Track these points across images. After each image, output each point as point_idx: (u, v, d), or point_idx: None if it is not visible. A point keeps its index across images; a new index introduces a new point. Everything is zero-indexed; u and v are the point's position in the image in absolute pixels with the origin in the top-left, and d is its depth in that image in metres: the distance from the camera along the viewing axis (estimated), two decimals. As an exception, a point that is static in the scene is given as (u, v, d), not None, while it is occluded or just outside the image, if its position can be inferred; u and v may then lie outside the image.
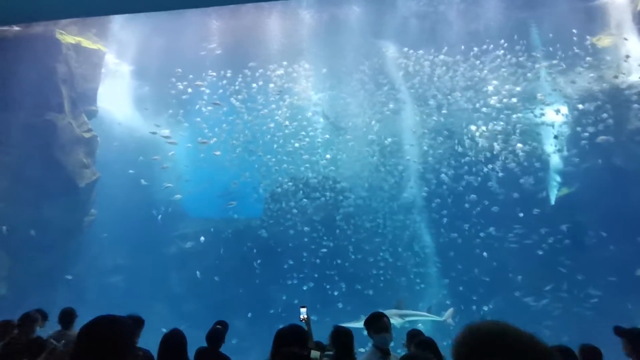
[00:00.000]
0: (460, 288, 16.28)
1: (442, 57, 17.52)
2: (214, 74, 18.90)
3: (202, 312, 16.46)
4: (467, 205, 16.81)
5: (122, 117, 20.31)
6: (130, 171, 18.16)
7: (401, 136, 18.57)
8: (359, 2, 17.50)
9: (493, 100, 17.16)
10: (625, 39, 15.47)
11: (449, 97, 17.72)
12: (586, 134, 15.39)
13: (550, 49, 16.47)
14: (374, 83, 18.84)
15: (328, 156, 18.80)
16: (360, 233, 18.23)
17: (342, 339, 4.09)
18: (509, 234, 16.08)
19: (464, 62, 17.46)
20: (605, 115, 15.02)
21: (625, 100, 15.16)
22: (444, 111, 17.79)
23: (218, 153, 18.32)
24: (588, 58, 16.12)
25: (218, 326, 5.33)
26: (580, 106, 15.91)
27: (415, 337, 4.99)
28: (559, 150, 16.90)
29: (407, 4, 17.16)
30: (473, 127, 17.65)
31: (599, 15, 16.15)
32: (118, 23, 17.70)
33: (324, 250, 17.59)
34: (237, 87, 18.95)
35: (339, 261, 17.41)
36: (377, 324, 4.14)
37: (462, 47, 17.22)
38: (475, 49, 17.06)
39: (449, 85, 17.77)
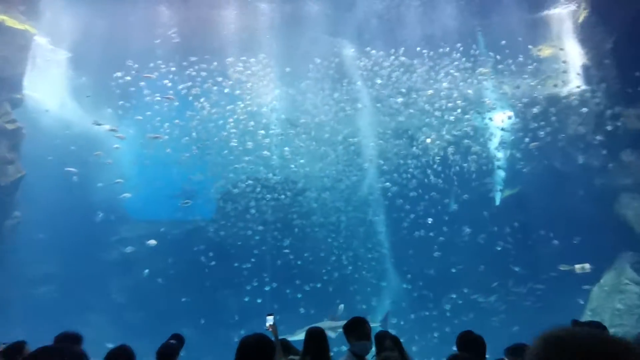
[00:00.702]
0: (420, 283, 16.78)
1: (402, 58, 17.77)
2: (166, 66, 17.56)
3: (147, 321, 15.29)
4: (421, 204, 17.21)
5: (55, 108, 18.23)
6: (72, 169, 16.16)
7: (360, 135, 18.57)
8: (319, 1, 17.23)
9: (444, 104, 17.67)
10: (561, 49, 16.66)
11: (405, 97, 18.02)
12: (529, 139, 16.36)
13: (498, 57, 17.31)
14: (332, 81, 18.67)
15: (287, 155, 18.29)
16: (318, 232, 18.00)
17: (315, 340, 3.88)
18: (460, 233, 16.65)
19: (421, 65, 17.85)
20: (552, 119, 16.06)
21: (564, 107, 16.29)
22: (401, 111, 18.06)
23: (169, 150, 17.10)
24: (531, 67, 17.17)
25: (172, 341, 4.88)
26: (526, 111, 16.88)
27: (383, 338, 4.94)
28: (505, 153, 17.79)
29: (367, 3, 17.19)
30: (426, 129, 18.11)
31: (543, 27, 17.28)
32: (52, 3, 15.86)
33: (285, 250, 17.18)
34: (189, 82, 17.72)
35: (291, 257, 17.09)
36: (359, 330, 3.94)
37: (418, 49, 17.58)
38: (426, 51, 17.51)
39: (405, 85, 18.07)
